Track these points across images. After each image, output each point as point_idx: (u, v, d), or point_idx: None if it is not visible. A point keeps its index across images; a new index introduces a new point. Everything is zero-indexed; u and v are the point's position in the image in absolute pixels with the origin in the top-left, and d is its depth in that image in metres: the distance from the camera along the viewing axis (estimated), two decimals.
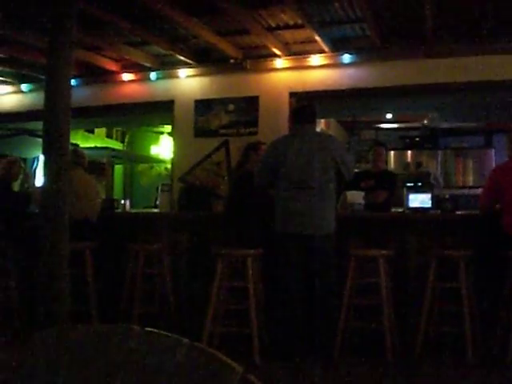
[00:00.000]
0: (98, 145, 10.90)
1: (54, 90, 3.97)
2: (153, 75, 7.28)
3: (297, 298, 5.01)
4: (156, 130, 11.88)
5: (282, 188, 5.08)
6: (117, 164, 12.17)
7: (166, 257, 6.15)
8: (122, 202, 8.21)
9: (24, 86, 8.10)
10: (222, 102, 6.88)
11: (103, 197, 8.26)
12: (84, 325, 1.66)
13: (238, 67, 6.83)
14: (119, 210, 7.47)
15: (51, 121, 3.92)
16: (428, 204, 5.54)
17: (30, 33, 6.22)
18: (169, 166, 11.64)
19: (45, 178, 3.93)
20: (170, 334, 1.53)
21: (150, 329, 1.52)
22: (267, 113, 6.72)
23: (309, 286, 4.99)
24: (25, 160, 9.59)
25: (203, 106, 6.96)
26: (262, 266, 5.34)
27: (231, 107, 6.82)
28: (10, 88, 8.23)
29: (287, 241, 5.04)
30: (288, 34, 6.35)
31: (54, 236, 3.83)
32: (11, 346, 5.77)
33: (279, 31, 6.26)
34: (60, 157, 3.88)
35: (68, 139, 3.95)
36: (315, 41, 6.33)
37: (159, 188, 7.12)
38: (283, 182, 5.05)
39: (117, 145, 12.29)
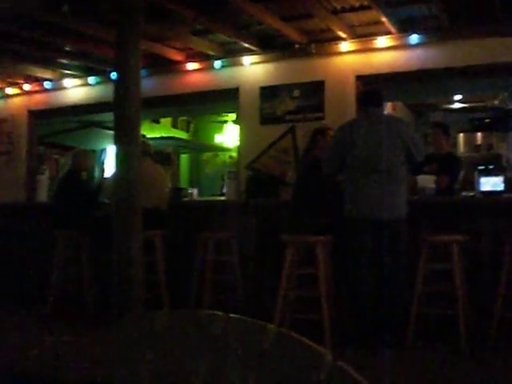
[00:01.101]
0: (164, 135, 11.03)
1: (123, 82, 4.02)
2: (217, 63, 7.29)
3: (367, 284, 4.95)
4: (220, 118, 11.93)
5: (351, 173, 5.02)
6: (182, 153, 12.31)
7: (235, 244, 6.19)
8: (190, 190, 8.32)
9: (91, 79, 8.25)
10: (288, 87, 6.83)
11: (170, 186, 8.35)
12: (169, 310, 1.67)
13: (303, 52, 6.77)
14: (187, 199, 7.56)
15: (122, 112, 3.98)
16: (500, 187, 5.36)
17: (97, 26, 6.32)
18: (233, 154, 11.69)
19: (117, 168, 3.99)
20: (255, 320, 1.52)
21: (234, 315, 1.51)
22: (333, 97, 6.64)
23: (380, 272, 4.93)
24: (93, 152, 9.79)
25: (268, 92, 6.93)
26: (331, 252, 5.30)
27: (297, 93, 6.77)
28: (77, 81, 8.40)
29: (357, 226, 4.99)
30: (353, 16, 6.24)
31: (127, 225, 3.89)
32: (84, 333, 5.95)
33: (344, 14, 6.16)
34: (131, 147, 3.93)
35: (139, 130, 4.00)
36: (381, 22, 6.21)
37: (225, 176, 7.17)
38: (352, 167, 4.99)
39: (182, 134, 12.38)
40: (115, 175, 4.00)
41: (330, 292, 5.20)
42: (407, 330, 4.88)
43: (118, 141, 3.99)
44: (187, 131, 12.80)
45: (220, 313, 1.56)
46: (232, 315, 1.51)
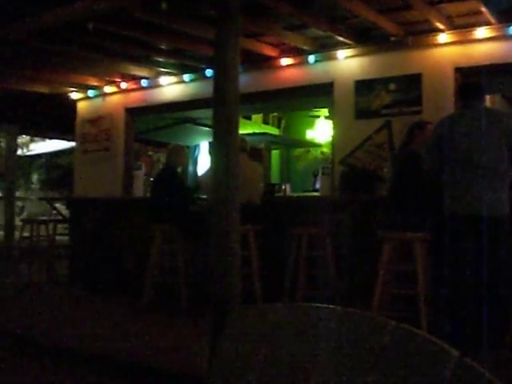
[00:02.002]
0: (256, 131, 11.10)
1: (222, 79, 4.04)
2: (311, 58, 7.25)
3: (467, 284, 4.79)
4: (311, 114, 11.87)
5: (451, 169, 4.88)
6: (273, 149, 12.35)
7: (329, 240, 6.15)
8: (283, 186, 8.33)
9: (186, 77, 8.38)
10: (383, 81, 6.70)
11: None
12: (283, 304, 1.65)
13: (399, 45, 6.62)
14: (280, 194, 7.57)
15: (221, 108, 3.99)
16: None
17: (193, 23, 6.41)
18: (325, 149, 11.62)
19: (215, 164, 4.03)
20: (372, 315, 1.47)
21: (353, 310, 1.48)
22: (431, 90, 6.46)
23: (480, 271, 4.75)
24: (187, 148, 9.97)
25: (364, 86, 6.83)
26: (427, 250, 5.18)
27: (393, 86, 6.63)
28: (172, 79, 8.56)
29: (456, 223, 4.83)
30: (451, 7, 6.05)
31: (225, 220, 3.91)
32: (178, 326, 6.08)
33: (442, 4, 5.97)
34: (230, 143, 3.95)
35: (237, 126, 4.01)
36: (480, 12, 5.98)
37: (319, 171, 7.13)
38: (452, 163, 4.84)
39: (273, 130, 12.43)
40: (214, 170, 4.03)
41: (425, 291, 5.08)
42: (508, 332, 4.70)
43: (216, 137, 4.01)
44: (278, 127, 12.83)
45: (335, 307, 1.53)
46: (348, 309, 1.47)
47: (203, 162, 11.20)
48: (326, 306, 1.55)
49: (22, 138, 18.49)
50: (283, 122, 12.95)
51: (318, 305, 1.58)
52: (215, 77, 4.11)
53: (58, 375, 4.57)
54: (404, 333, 1.30)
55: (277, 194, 7.97)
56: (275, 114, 12.61)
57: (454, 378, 1.18)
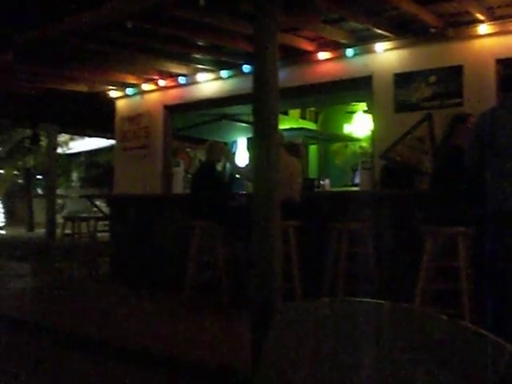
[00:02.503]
0: (293, 126, 11.06)
1: (261, 75, 4.04)
2: (349, 52, 7.18)
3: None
4: (349, 108, 11.79)
5: (493, 162, 4.77)
6: (311, 144, 12.29)
7: (369, 235, 6.10)
8: (322, 182, 8.28)
9: (223, 73, 8.38)
10: (423, 73, 6.60)
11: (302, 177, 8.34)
12: (330, 299, 1.63)
13: (439, 36, 6.50)
14: (319, 190, 7.53)
15: (260, 104, 3.99)
16: None
17: (230, 19, 6.40)
18: (363, 144, 11.52)
19: (255, 159, 4.02)
20: (424, 310, 1.44)
21: (402, 304, 1.45)
22: (472, 82, 6.34)
23: None
24: (225, 144, 9.98)
25: (403, 79, 6.73)
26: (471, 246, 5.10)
27: (433, 79, 6.52)
28: (210, 75, 8.57)
29: (500, 219, 4.73)
30: None
31: (266, 216, 3.91)
32: (219, 321, 6.10)
33: None
34: (270, 138, 3.95)
35: (277, 121, 4.01)
36: None
37: (359, 166, 7.07)
38: (494, 157, 4.73)
39: (311, 125, 12.38)
40: (254, 166, 4.03)
41: (469, 287, 4.99)
42: None
43: (256, 132, 4.01)
44: (316, 122, 12.77)
45: (384, 301, 1.50)
46: (398, 304, 1.45)
47: (241, 158, 11.22)
48: (375, 300, 1.52)
49: (62, 137, 18.76)
50: (321, 116, 12.88)
51: (366, 299, 1.56)
52: (254, 72, 4.11)
53: (99, 370, 4.62)
54: (457, 327, 1.28)
55: (316, 190, 7.92)
56: (312, 108, 12.54)
57: (508, 371, 1.15)
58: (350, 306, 1.61)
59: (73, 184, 27.65)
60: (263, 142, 3.95)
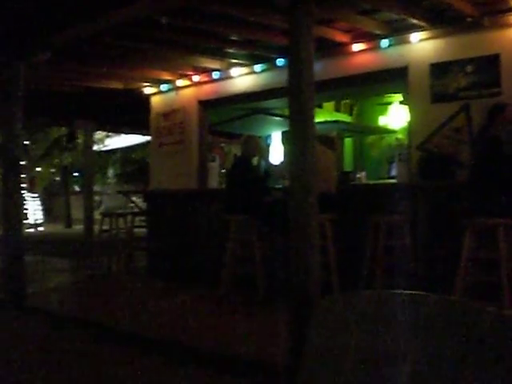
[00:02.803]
0: (328, 119, 10.99)
1: (297, 68, 4.02)
2: (384, 43, 7.10)
3: None
4: (384, 100, 11.68)
5: None
6: (346, 137, 12.21)
7: (408, 228, 6.05)
8: (358, 174, 8.23)
9: (257, 67, 8.37)
10: (460, 63, 6.49)
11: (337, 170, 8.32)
12: (376, 291, 1.62)
13: (475, 25, 6.39)
14: (355, 183, 7.49)
15: (296, 97, 3.98)
16: None
17: (264, 13, 6.38)
18: (399, 136, 11.40)
19: (292, 153, 4.02)
20: (470, 302, 1.43)
21: (449, 297, 1.43)
22: (510, 71, 6.21)
23: None
24: (259, 138, 9.98)
25: (439, 69, 6.63)
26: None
27: (470, 68, 6.41)
28: (244, 70, 8.56)
29: None
30: None
31: (304, 209, 3.90)
32: (255, 315, 6.12)
33: None
34: (306, 132, 3.94)
35: (313, 114, 4.00)
36: None
37: (396, 158, 7.00)
38: None
39: (345, 117, 12.29)
40: (290, 159, 4.03)
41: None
42: None
43: (292, 125, 4.00)
44: (350, 114, 12.69)
45: (429, 294, 1.49)
46: (446, 297, 1.43)
47: (275, 152, 11.21)
48: (420, 292, 1.51)
49: (98, 134, 18.97)
50: (355, 108, 12.79)
51: (411, 292, 1.55)
52: (290, 66, 4.10)
53: (137, 363, 4.67)
54: (504, 320, 1.26)
55: (352, 182, 7.88)
56: (347, 100, 12.46)
57: None
58: (395, 298, 1.60)
59: (109, 181, 27.97)
60: (300, 135, 3.94)
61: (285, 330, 4.40)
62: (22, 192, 7.76)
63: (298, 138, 3.95)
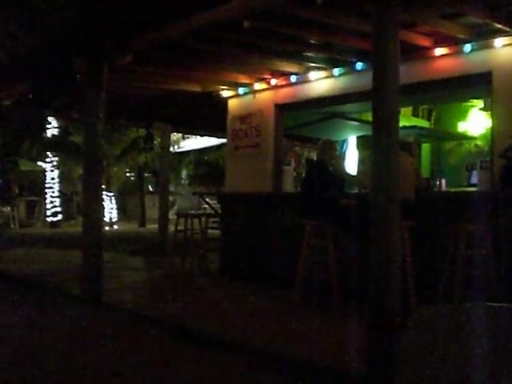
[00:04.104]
0: (405, 124, 10.78)
1: (381, 72, 3.98)
2: (467, 47, 6.92)
3: None
4: (463, 105, 11.38)
5: None
6: (423, 142, 11.94)
7: (489, 238, 5.88)
8: (437, 182, 8.06)
9: (335, 71, 8.31)
10: None
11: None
12: (471, 303, 1.57)
13: None
14: (436, 190, 7.33)
15: (381, 101, 3.93)
16: None
17: (345, 17, 6.33)
18: (479, 142, 11.09)
19: (376, 157, 3.96)
20: None
21: None
22: None
23: None
24: (336, 142, 9.90)
25: None
26: None
27: None
28: (322, 73, 8.52)
29: None
30: None
31: (386, 217, 3.84)
32: (330, 321, 6.07)
33: None
34: (390, 137, 3.88)
35: (397, 119, 3.94)
36: None
37: (477, 165, 6.82)
38: None
39: (423, 123, 12.02)
40: (373, 164, 3.97)
41: None
42: None
43: (375, 132, 3.95)
44: (429, 119, 12.41)
45: None
46: None
47: (351, 157, 11.11)
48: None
49: (174, 136, 19.30)
50: (434, 114, 12.49)
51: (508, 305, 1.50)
52: (374, 70, 4.05)
53: (209, 363, 4.70)
54: None
55: (431, 190, 7.72)
56: (425, 105, 12.20)
57: None
58: (492, 310, 1.54)
59: (182, 182, 28.43)
60: (383, 142, 3.88)
61: (360, 337, 4.35)
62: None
63: (382, 144, 3.90)
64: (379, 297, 3.99)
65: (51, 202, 21.92)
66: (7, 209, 20.79)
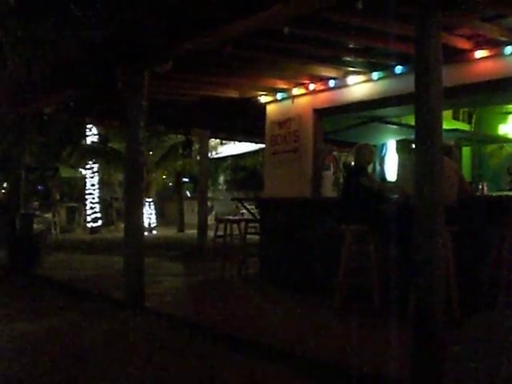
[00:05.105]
0: (445, 127, 10.65)
1: (425, 75, 3.95)
2: (508, 49, 6.83)
3: None
4: (504, 108, 11.21)
5: None
6: (464, 146, 11.81)
7: None
8: (480, 185, 7.96)
9: (374, 75, 8.27)
10: None
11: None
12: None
13: None
14: (479, 194, 7.24)
15: (423, 105, 3.91)
16: None
17: (384, 21, 6.29)
18: None
19: (419, 161, 3.94)
20: None
21: None
22: None
23: None
24: (374, 146, 9.85)
25: None
26: None
27: None
28: (360, 77, 8.49)
29: None
30: None
31: (430, 222, 3.81)
32: (371, 327, 6.02)
33: None
34: (434, 141, 3.86)
35: (441, 123, 3.91)
36: None
37: None
38: None
39: (464, 126, 11.89)
40: (417, 168, 3.95)
41: None
42: None
43: (418, 136, 3.94)
44: (469, 122, 12.26)
45: None
46: None
47: (390, 161, 11.04)
48: None
49: (212, 142, 19.42)
50: (474, 116, 12.34)
51: None
52: (417, 74, 4.02)
53: (249, 369, 4.71)
54: None
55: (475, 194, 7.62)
56: (465, 108, 12.06)
57: None
58: None
59: (219, 187, 28.57)
60: (427, 146, 3.85)
61: (403, 344, 4.31)
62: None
63: (425, 148, 3.87)
64: (423, 304, 3.95)
65: (91, 208, 22.20)
66: (48, 215, 21.12)
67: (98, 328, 6.10)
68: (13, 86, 9.46)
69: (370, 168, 7.66)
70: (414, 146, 4.38)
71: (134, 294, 7.28)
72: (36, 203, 21.37)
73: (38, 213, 17.41)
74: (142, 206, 7.68)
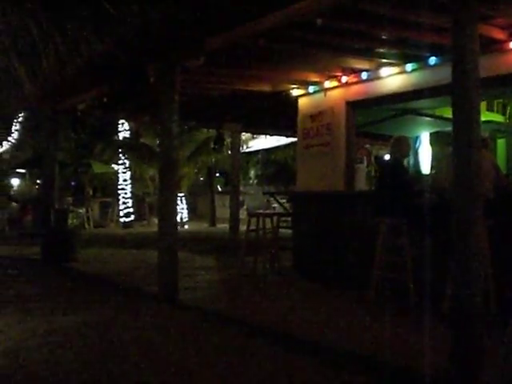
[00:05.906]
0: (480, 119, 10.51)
1: (461, 66, 3.89)
2: None
3: None
4: None
5: None
6: (499, 138, 11.65)
7: None
8: None
9: (407, 66, 8.17)
10: None
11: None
12: None
13: None
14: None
15: (461, 97, 3.85)
16: None
17: (419, 11, 6.21)
18: None
19: (457, 154, 3.88)
20: None
21: None
22: None
23: None
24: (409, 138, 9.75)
25: None
26: None
27: None
28: (393, 69, 8.40)
29: None
30: None
31: (468, 216, 3.76)
32: (405, 322, 5.97)
33: None
34: (471, 133, 3.80)
35: (479, 116, 3.85)
36: None
37: None
38: None
39: (498, 117, 11.73)
40: (455, 161, 3.89)
41: None
42: None
43: (456, 127, 3.87)
44: (503, 114, 12.09)
45: None
46: None
47: (424, 154, 10.92)
48: None
49: (243, 136, 19.42)
50: (509, 108, 12.16)
51: None
52: (454, 65, 3.96)
53: (285, 362, 4.69)
54: None
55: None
56: (500, 100, 11.88)
57: None
58: None
59: (250, 181, 28.60)
60: (464, 138, 3.80)
61: (440, 338, 4.26)
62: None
63: (463, 140, 3.81)
64: (461, 298, 3.90)
65: (124, 203, 22.40)
66: (82, 210, 21.37)
67: (132, 322, 6.14)
68: (47, 83, 9.56)
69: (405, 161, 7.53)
70: (449, 138, 4.32)
71: (167, 287, 7.32)
72: (70, 198, 21.65)
73: (71, 208, 17.66)
74: (175, 200, 7.72)
